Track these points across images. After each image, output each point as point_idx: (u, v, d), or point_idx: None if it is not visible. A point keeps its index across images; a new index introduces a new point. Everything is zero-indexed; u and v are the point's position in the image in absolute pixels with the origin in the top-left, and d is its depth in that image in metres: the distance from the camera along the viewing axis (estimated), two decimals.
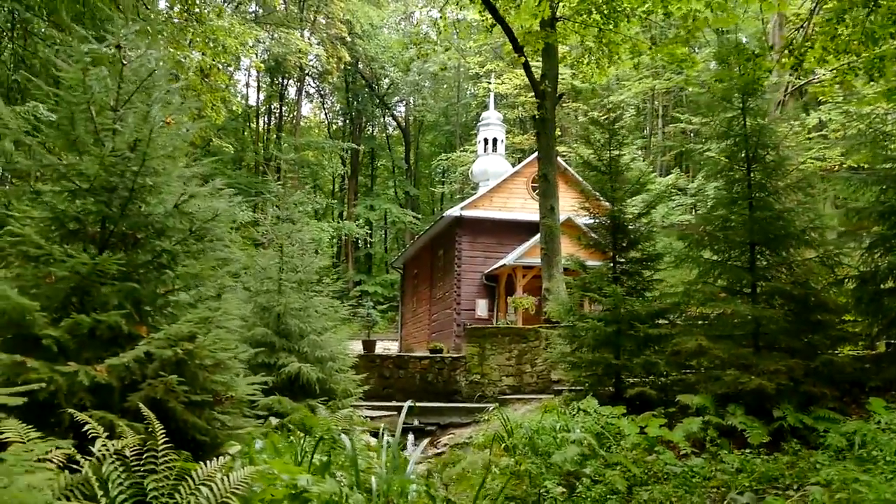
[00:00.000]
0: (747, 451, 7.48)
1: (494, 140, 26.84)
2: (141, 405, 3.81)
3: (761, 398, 8.08)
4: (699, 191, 27.08)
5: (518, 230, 20.78)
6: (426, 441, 10.47)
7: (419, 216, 41.45)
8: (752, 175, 9.42)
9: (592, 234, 10.77)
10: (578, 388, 10.45)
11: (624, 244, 10.27)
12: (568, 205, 21.21)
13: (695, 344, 8.68)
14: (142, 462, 3.49)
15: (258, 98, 45.71)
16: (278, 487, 3.57)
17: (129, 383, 3.95)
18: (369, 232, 41.57)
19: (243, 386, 4.72)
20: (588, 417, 8.46)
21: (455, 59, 30.00)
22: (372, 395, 11.32)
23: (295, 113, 43.08)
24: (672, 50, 12.11)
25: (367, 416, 9.77)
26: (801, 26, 8.59)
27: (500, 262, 19.91)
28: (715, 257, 9.58)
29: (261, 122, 47.00)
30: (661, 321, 9.74)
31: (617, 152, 10.41)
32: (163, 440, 3.58)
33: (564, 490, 6.64)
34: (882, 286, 9.10)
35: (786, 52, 8.73)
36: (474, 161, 29.42)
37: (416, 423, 11.70)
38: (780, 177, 9.37)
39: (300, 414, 6.31)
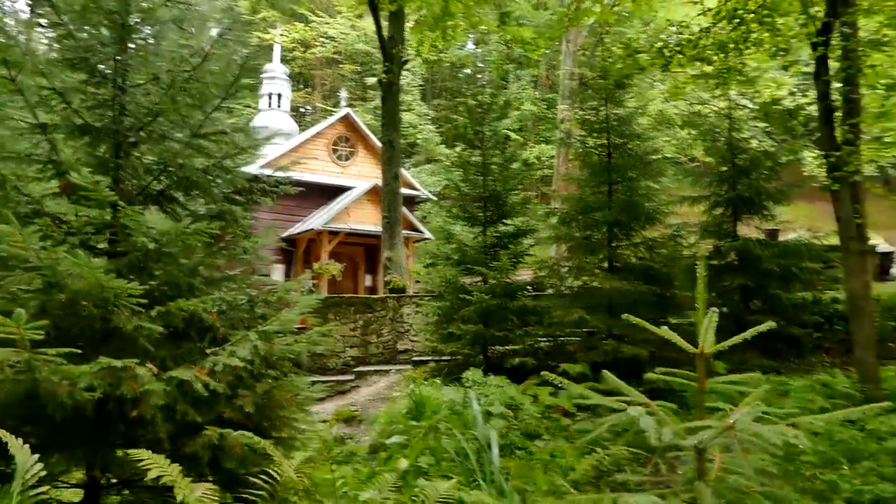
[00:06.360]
0: None
1: (279, 95, 25.36)
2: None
3: (632, 365, 8.97)
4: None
5: (319, 194, 20.10)
6: None
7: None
8: (611, 161, 10.27)
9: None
10: (447, 358, 10.58)
11: (495, 217, 10.55)
12: (369, 171, 21.12)
13: (576, 316, 9.32)
14: None
15: None
16: None
17: (235, 387, 3.10)
18: None
19: None
20: (488, 389, 8.63)
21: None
22: None
23: None
24: (520, 32, 12.59)
25: None
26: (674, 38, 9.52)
27: (305, 226, 19.08)
28: (581, 234, 10.31)
29: None
30: (534, 293, 10.24)
31: (491, 127, 10.60)
32: None
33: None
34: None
35: (657, 53, 9.61)
36: (252, 115, 27.51)
37: None
38: (637, 164, 10.34)
39: None
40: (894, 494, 5.46)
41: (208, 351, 3.00)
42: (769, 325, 2.59)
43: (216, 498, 2.52)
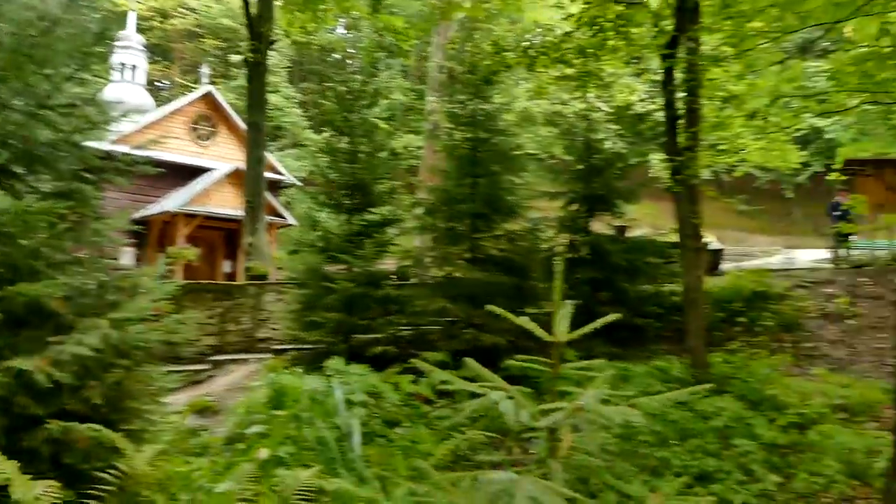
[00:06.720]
0: None
1: (134, 67, 23.72)
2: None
3: (491, 353, 9.31)
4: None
5: (176, 174, 19.04)
6: None
7: None
8: (477, 155, 10.56)
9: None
10: (309, 346, 10.43)
11: (361, 206, 10.51)
12: (231, 153, 20.32)
13: (438, 305, 9.54)
14: None
15: None
16: None
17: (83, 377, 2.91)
18: None
19: None
20: (350, 377, 8.61)
21: None
22: None
23: None
24: (392, 20, 12.64)
25: None
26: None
27: (159, 208, 18.02)
28: (445, 225, 10.53)
29: None
30: (398, 282, 10.34)
31: (361, 114, 10.54)
32: None
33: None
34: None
35: (523, 53, 10.00)
36: (102, 86, 25.56)
37: None
38: (501, 159, 10.68)
39: None
40: (716, 468, 6.10)
41: (52, 339, 2.79)
42: (616, 316, 2.82)
43: (58, 495, 2.37)
